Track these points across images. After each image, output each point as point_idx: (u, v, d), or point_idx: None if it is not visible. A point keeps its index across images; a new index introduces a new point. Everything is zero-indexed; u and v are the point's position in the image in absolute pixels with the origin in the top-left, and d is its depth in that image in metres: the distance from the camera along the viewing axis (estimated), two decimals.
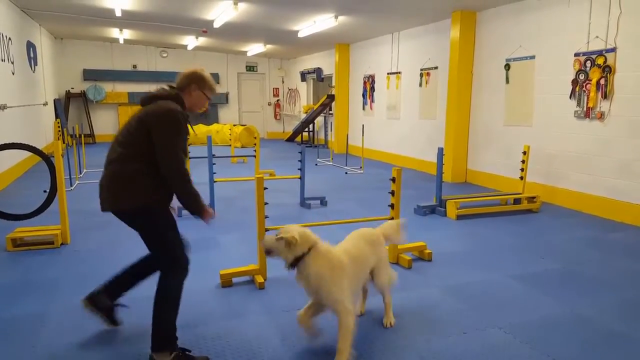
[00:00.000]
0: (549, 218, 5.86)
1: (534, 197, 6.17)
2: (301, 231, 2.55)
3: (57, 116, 12.53)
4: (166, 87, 2.68)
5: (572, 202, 6.30)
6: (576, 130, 6.21)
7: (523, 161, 6.25)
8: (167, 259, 2.57)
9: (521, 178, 6.29)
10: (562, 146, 6.43)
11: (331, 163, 10.51)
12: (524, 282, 3.75)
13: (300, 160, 6.15)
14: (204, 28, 10.80)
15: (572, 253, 4.51)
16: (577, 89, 6.13)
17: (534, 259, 4.32)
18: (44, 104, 11.12)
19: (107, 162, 2.58)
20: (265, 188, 3.56)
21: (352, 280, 2.61)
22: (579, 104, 6.13)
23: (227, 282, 3.59)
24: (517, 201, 6.22)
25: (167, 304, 2.52)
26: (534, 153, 6.72)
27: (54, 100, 12.73)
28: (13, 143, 4.59)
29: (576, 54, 6.11)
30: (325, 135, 14.25)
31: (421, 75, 9.44)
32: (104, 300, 2.83)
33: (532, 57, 6.85)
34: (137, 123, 2.52)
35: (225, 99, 16.26)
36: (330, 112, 13.56)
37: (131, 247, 4.52)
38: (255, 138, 7.99)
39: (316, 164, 10.28)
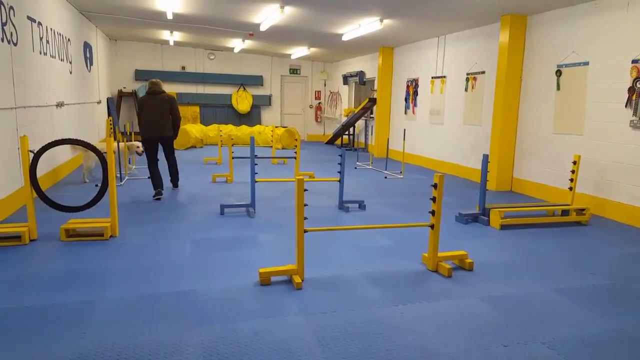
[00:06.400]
0: (599, 231, 5.60)
1: (583, 209, 5.92)
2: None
3: (109, 114, 13.11)
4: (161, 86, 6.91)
5: (625, 215, 6.00)
6: (631, 140, 5.91)
7: (573, 171, 6.01)
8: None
9: (570, 189, 6.05)
10: (615, 157, 6.14)
11: (371, 167, 10.46)
12: (570, 297, 3.60)
13: (340, 163, 6.16)
14: (250, 31, 11.02)
15: (622, 269, 4.29)
16: (634, 97, 5.84)
17: (581, 273, 4.14)
18: (97, 102, 11.66)
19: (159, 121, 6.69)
20: (305, 190, 3.59)
21: None
22: (635, 113, 5.84)
23: (265, 280, 3.65)
24: (565, 213, 5.99)
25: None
26: (584, 163, 6.45)
27: (107, 99, 13.32)
28: (70, 139, 4.84)
29: (634, 61, 5.83)
30: (366, 138, 14.20)
31: (467, 79, 9.26)
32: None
33: (586, 63, 6.58)
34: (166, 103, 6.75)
35: (268, 101, 16.51)
36: (372, 115, 13.51)
37: (173, 241, 4.68)
38: (296, 140, 8.06)
39: (355, 168, 10.27)
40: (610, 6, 6.22)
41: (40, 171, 6.68)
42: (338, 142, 15.32)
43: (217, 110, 15.99)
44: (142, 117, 6.68)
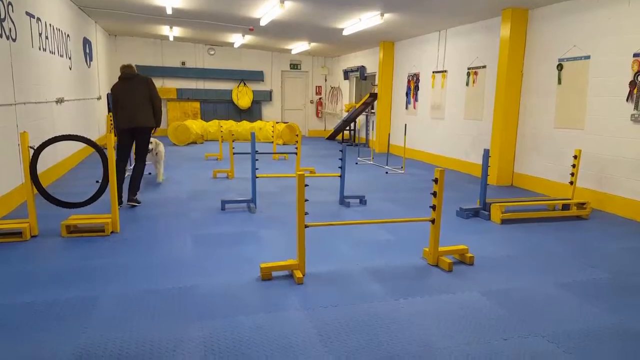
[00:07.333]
0: (600, 225, 5.60)
1: (584, 204, 5.92)
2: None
3: (109, 110, 13.08)
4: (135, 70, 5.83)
5: (626, 209, 6.00)
6: (633, 134, 5.90)
7: (574, 165, 6.00)
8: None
9: (571, 183, 6.05)
10: (617, 151, 6.13)
11: (372, 162, 10.45)
12: (571, 290, 3.61)
13: (340, 159, 6.15)
14: (250, 26, 10.99)
15: (623, 263, 4.30)
16: (635, 91, 5.82)
17: (582, 267, 4.15)
18: (97, 98, 11.64)
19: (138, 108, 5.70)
20: (306, 185, 3.59)
21: None
22: (636, 107, 5.82)
23: (267, 276, 3.66)
24: (565, 207, 5.99)
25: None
26: (585, 157, 6.44)
27: (107, 95, 13.28)
28: (70, 135, 4.84)
29: (635, 55, 5.80)
30: (367, 134, 14.18)
31: (468, 74, 9.23)
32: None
33: (587, 57, 6.56)
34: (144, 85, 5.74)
35: (269, 96, 16.48)
36: (372, 111, 13.49)
37: (174, 236, 4.69)
38: (297, 135, 8.06)
39: (356, 163, 10.26)
40: (611, 1, 6.18)
41: (41, 167, 6.70)
42: (339, 137, 15.31)
43: (218, 106, 15.98)
44: (117, 107, 5.78)
